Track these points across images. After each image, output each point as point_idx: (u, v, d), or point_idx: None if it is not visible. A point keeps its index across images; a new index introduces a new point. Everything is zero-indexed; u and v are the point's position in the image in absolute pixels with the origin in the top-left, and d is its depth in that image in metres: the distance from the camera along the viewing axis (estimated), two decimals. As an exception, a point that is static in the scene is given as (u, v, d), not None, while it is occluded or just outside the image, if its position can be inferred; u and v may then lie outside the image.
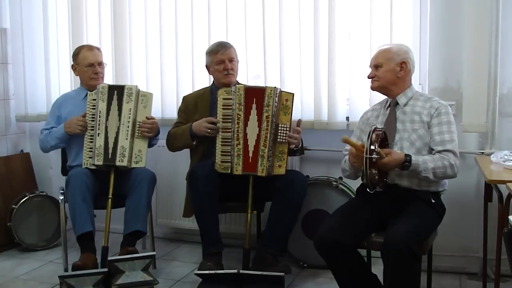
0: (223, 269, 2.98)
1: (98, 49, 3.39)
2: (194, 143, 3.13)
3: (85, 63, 3.29)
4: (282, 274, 2.82)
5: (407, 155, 2.42)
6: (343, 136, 2.37)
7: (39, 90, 4.00)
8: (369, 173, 2.30)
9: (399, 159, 2.40)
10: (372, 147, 2.28)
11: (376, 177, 2.33)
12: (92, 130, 3.15)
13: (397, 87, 2.65)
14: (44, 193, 3.80)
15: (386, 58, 2.63)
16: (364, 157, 2.28)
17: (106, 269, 2.88)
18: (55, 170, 3.93)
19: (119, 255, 2.99)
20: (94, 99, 3.17)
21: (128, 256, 2.89)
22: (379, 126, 2.43)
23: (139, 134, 3.15)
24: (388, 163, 2.36)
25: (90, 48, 3.35)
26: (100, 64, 3.32)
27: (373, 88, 2.72)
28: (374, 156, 2.28)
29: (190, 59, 3.63)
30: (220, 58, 3.18)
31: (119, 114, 3.14)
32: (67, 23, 3.90)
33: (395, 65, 2.62)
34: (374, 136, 2.31)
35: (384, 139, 2.43)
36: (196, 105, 3.26)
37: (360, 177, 2.70)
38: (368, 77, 2.70)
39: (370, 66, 2.70)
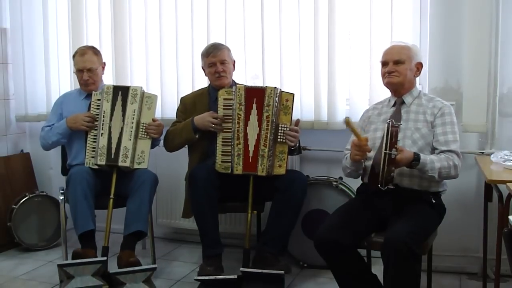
0: (223, 271, 2.99)
1: (95, 52, 3.30)
2: (197, 136, 3.12)
3: (76, 68, 3.29)
4: (282, 272, 2.82)
5: (415, 154, 2.41)
6: (346, 117, 2.31)
7: (39, 90, 4.00)
8: (386, 170, 2.26)
9: (410, 157, 2.39)
10: (391, 143, 2.24)
11: (392, 174, 2.31)
12: (96, 129, 3.14)
13: (408, 86, 2.65)
14: (44, 193, 3.80)
15: (408, 56, 2.61)
16: (383, 153, 2.26)
17: (105, 258, 2.88)
18: (55, 170, 3.93)
19: (118, 257, 3.01)
20: (99, 99, 3.17)
21: (129, 269, 2.88)
22: (395, 122, 2.37)
23: (143, 135, 3.15)
24: (400, 160, 2.35)
25: (83, 53, 3.26)
26: (90, 70, 3.24)
27: (391, 83, 2.62)
28: (393, 152, 2.26)
29: (190, 59, 3.62)
30: (211, 60, 3.17)
31: (123, 115, 3.13)
32: (67, 23, 3.90)
33: (413, 64, 2.63)
34: (393, 131, 2.27)
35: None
36: (194, 105, 3.25)
37: (360, 177, 2.70)
38: (387, 72, 2.61)
39: (386, 61, 2.62)
